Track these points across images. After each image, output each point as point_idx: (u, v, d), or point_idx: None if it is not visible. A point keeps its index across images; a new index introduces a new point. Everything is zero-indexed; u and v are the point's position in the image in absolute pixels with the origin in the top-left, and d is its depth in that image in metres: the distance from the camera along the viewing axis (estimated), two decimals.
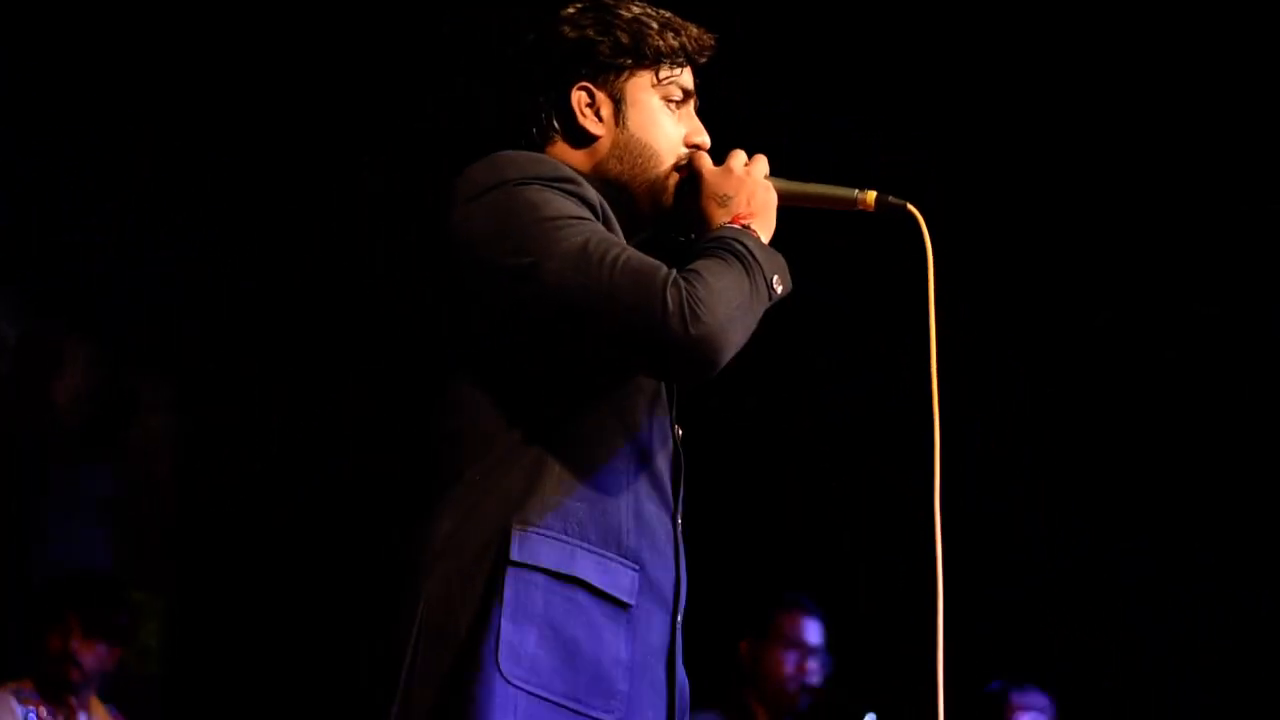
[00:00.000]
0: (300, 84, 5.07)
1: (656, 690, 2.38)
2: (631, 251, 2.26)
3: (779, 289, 2.33)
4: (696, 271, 2.25)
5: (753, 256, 2.31)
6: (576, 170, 2.40)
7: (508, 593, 2.26)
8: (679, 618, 2.41)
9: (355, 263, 5.19)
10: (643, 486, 2.37)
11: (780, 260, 2.35)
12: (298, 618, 5.43)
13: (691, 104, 2.50)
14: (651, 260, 2.25)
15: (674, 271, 2.24)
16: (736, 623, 4.71)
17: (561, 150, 2.45)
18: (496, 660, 2.24)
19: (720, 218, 2.37)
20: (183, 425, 5.66)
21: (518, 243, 2.27)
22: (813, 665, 4.67)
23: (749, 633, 4.71)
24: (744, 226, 2.36)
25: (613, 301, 2.22)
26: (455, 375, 2.36)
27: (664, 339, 2.21)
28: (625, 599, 2.33)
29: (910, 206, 2.45)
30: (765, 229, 2.39)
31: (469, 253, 2.31)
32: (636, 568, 2.34)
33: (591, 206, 2.33)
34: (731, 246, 2.30)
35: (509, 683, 2.24)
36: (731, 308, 2.24)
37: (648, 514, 2.37)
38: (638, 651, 2.35)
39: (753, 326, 2.30)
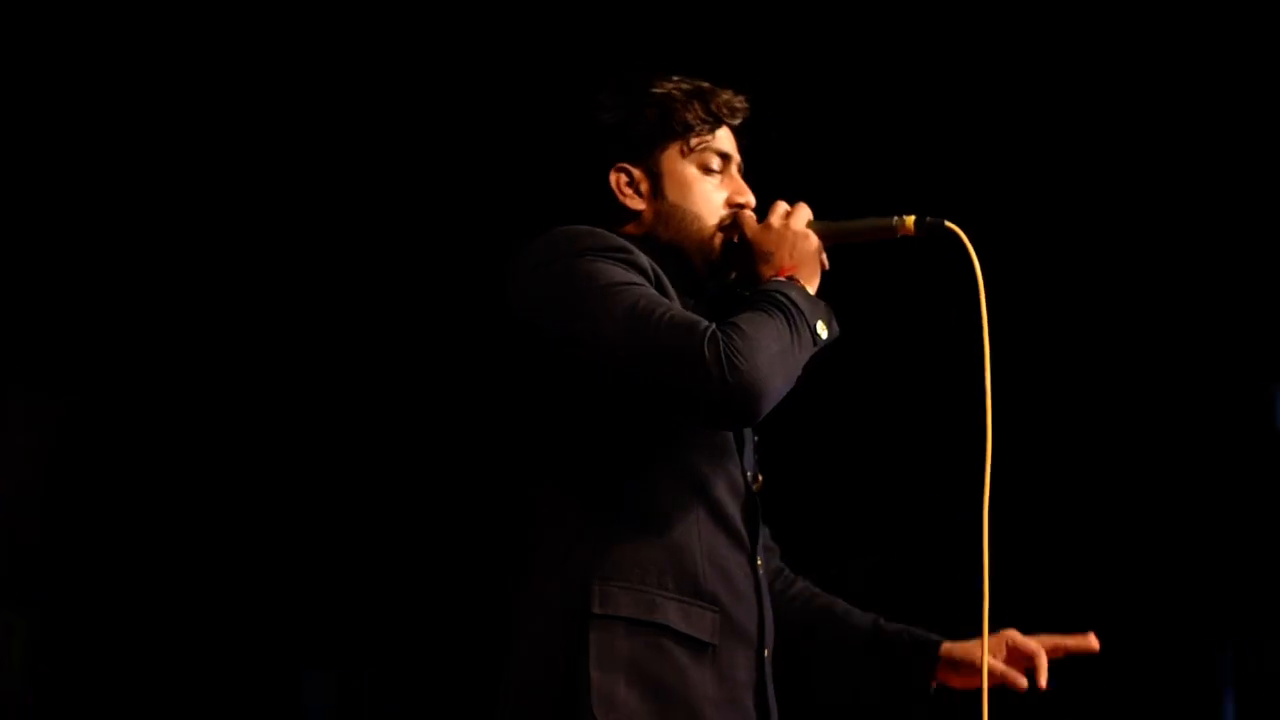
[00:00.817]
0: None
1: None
2: (676, 309, 2.40)
3: (824, 334, 2.47)
4: (735, 324, 2.37)
5: (794, 306, 2.44)
6: (629, 238, 2.54)
7: (593, 644, 2.41)
8: (767, 653, 2.54)
9: (230, 263, 5.10)
10: (714, 533, 2.50)
11: (824, 307, 2.49)
12: (169, 638, 5.26)
13: (734, 165, 2.66)
14: (693, 316, 2.39)
15: (714, 325, 2.36)
16: None
17: (612, 223, 2.60)
18: (590, 707, 2.39)
19: (766, 273, 2.53)
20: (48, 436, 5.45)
21: (575, 309, 2.42)
22: None
23: None
24: (788, 279, 2.50)
25: (656, 356, 2.36)
26: (528, 446, 2.51)
27: (704, 389, 2.34)
28: (707, 639, 2.46)
29: (949, 224, 2.56)
30: (809, 278, 2.54)
31: (529, 322, 2.47)
32: (716, 609, 2.47)
33: (644, 271, 2.48)
34: (773, 298, 2.44)
35: None
36: (770, 355, 2.36)
37: (722, 558, 2.50)
38: (725, 688, 2.48)
39: (796, 372, 2.42)
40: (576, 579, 2.44)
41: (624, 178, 2.63)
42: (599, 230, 2.52)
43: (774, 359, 2.37)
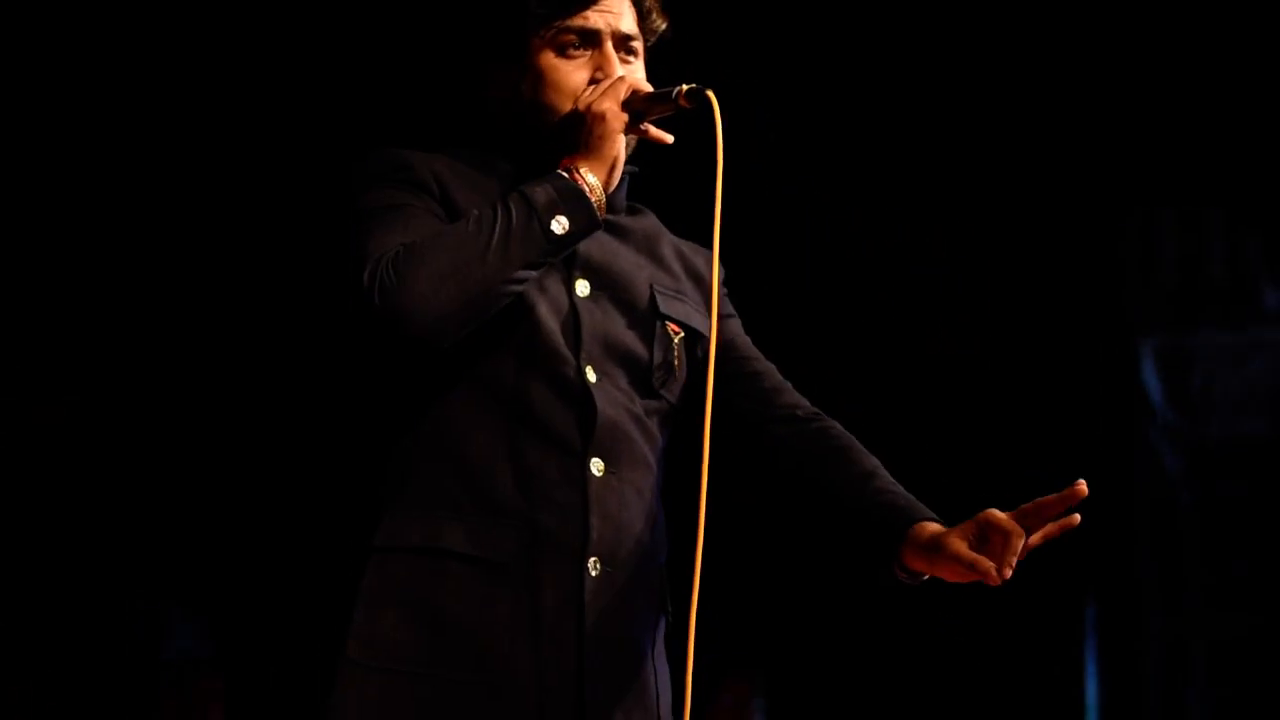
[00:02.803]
0: None
1: (558, 641, 2.35)
2: (383, 235, 2.32)
3: (560, 229, 2.34)
4: (414, 242, 2.29)
5: (524, 204, 2.33)
6: (500, 134, 2.49)
7: (366, 579, 2.32)
8: (593, 562, 2.37)
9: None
10: (524, 440, 2.36)
11: (578, 197, 2.36)
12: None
13: (606, 40, 2.46)
14: (391, 240, 2.31)
15: (397, 247, 2.29)
16: None
17: (486, 126, 2.52)
18: (344, 646, 2.30)
19: (561, 161, 2.40)
20: None
21: (331, 243, 2.39)
22: None
23: None
24: (565, 170, 2.38)
25: (341, 285, 2.30)
26: (324, 382, 2.38)
27: (358, 314, 2.27)
28: (502, 559, 2.33)
29: (709, 92, 2.38)
30: (596, 163, 2.39)
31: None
32: (519, 523, 2.34)
33: (420, 185, 2.40)
34: (505, 197, 2.35)
35: (357, 664, 2.30)
36: (435, 272, 2.27)
37: (535, 469, 2.36)
38: (525, 608, 2.34)
39: (493, 281, 2.30)
40: (367, 514, 2.36)
41: (496, 73, 2.52)
42: (382, 152, 2.44)
43: (441, 275, 2.27)
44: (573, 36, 2.46)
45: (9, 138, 4.59)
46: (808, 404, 2.60)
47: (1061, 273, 5.22)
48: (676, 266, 2.58)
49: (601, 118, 2.39)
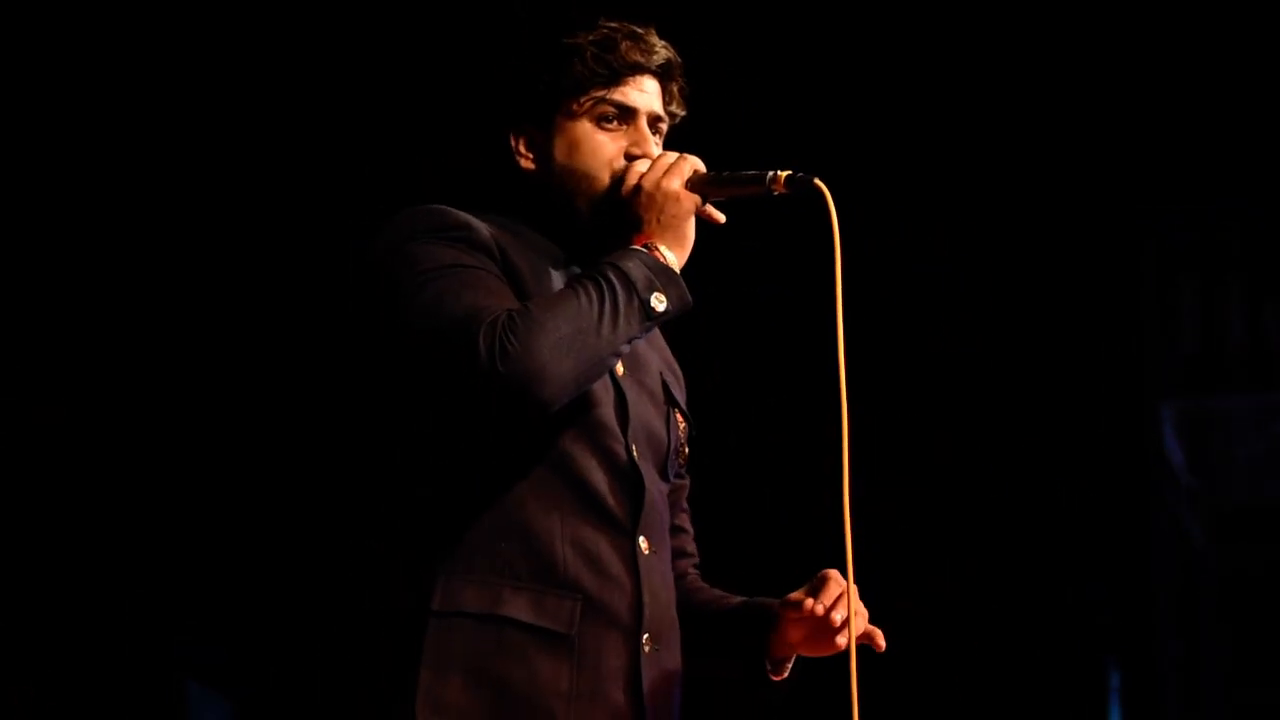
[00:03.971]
0: None
1: (613, 714, 2.39)
2: (473, 296, 2.33)
3: (660, 306, 2.36)
4: (526, 307, 2.31)
5: (624, 279, 2.35)
6: (527, 201, 2.52)
7: (428, 642, 2.33)
8: (645, 638, 2.42)
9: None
10: (582, 516, 2.40)
11: (670, 276, 2.38)
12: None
13: (641, 117, 2.51)
14: (488, 303, 2.32)
15: (505, 312, 2.29)
16: None
17: (511, 187, 2.55)
18: (414, 711, 2.31)
19: (631, 238, 2.43)
20: None
21: (390, 298, 2.37)
22: None
23: None
24: (644, 246, 2.41)
25: (436, 345, 2.30)
26: (367, 433, 2.45)
27: (474, 378, 2.27)
28: (564, 630, 2.36)
29: (817, 181, 2.43)
30: (674, 243, 2.42)
31: (363, 318, 2.42)
32: (578, 596, 2.37)
33: (484, 248, 2.41)
34: (601, 271, 2.36)
35: None
36: (557, 339, 2.29)
37: (589, 542, 2.39)
38: (585, 679, 2.37)
39: (603, 352, 2.34)
40: (421, 576, 2.37)
41: (523, 139, 2.53)
42: (439, 209, 2.45)
43: (561, 342, 2.29)
44: (611, 109, 2.50)
45: (9, 138, 4.63)
46: (695, 554, 2.72)
47: (1081, 338, 5.21)
48: (668, 360, 2.65)
49: (676, 197, 2.43)
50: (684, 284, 2.40)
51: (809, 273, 2.63)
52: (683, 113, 2.60)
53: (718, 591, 2.66)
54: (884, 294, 5.04)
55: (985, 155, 5.00)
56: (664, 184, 2.43)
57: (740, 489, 5.14)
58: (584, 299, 2.33)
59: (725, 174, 2.47)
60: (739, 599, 2.62)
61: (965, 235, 5.06)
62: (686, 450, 2.61)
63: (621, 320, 2.34)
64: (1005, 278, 5.14)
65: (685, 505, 2.71)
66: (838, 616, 2.43)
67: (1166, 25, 4.82)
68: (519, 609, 2.35)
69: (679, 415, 2.60)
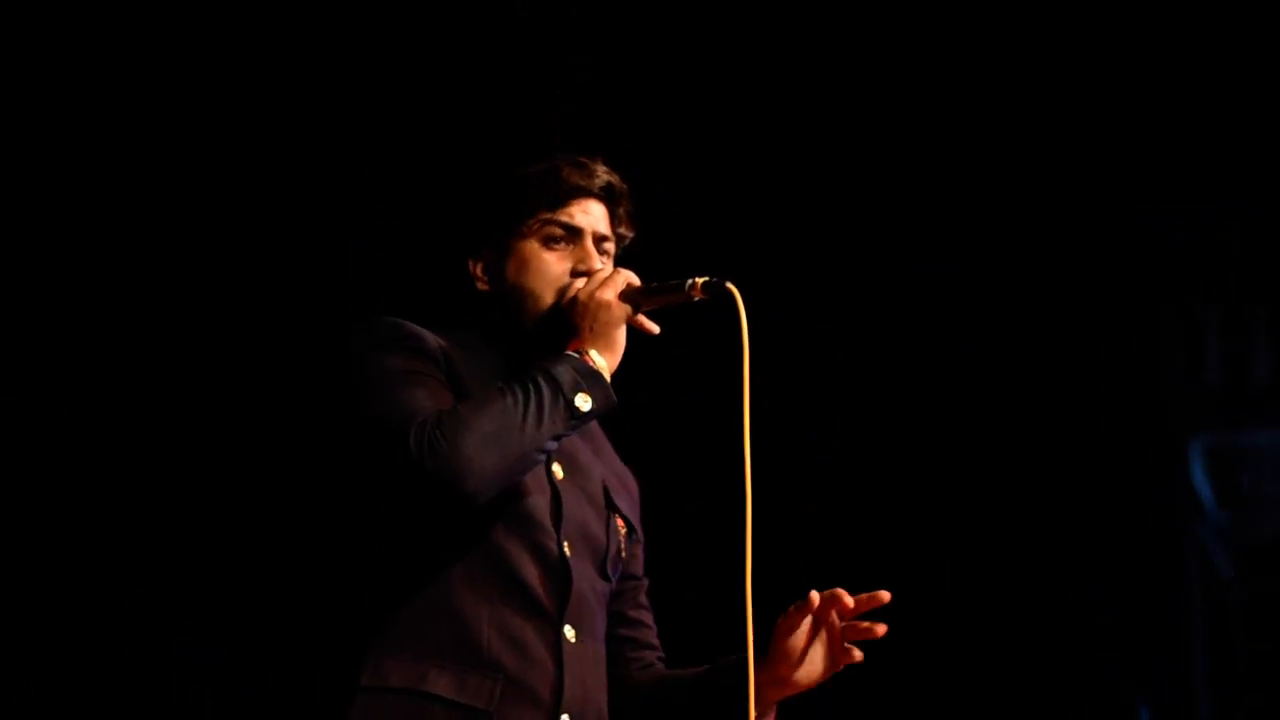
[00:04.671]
0: None
1: None
2: (411, 398, 2.54)
3: (586, 407, 2.57)
4: (456, 408, 2.51)
5: (551, 381, 2.56)
6: (481, 318, 2.75)
7: (354, 715, 2.52)
8: (565, 717, 2.60)
9: None
10: (508, 603, 2.59)
11: (596, 378, 2.59)
12: None
13: (587, 237, 2.76)
14: (424, 404, 2.53)
15: (435, 413, 2.50)
16: None
17: (471, 307, 2.78)
18: None
19: (569, 346, 2.63)
20: None
21: (345, 400, 2.58)
22: None
23: None
24: (575, 352, 2.61)
25: (373, 443, 2.51)
26: (337, 526, 2.79)
27: (405, 474, 2.47)
28: (483, 707, 2.54)
29: (729, 285, 2.63)
30: (605, 348, 2.63)
31: (326, 417, 2.73)
32: (498, 677, 2.55)
33: (431, 358, 2.63)
34: (530, 374, 2.57)
35: None
36: (481, 437, 2.47)
37: (514, 627, 2.58)
38: None
39: (526, 449, 2.52)
40: (354, 653, 2.56)
41: (480, 263, 2.78)
42: (394, 321, 2.67)
43: (486, 439, 2.48)
44: (558, 230, 2.75)
45: (9, 138, 4.67)
46: (658, 647, 2.96)
47: (1106, 374, 5.21)
48: (616, 470, 2.91)
49: (607, 306, 2.65)
50: (609, 386, 2.62)
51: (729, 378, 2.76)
52: (631, 234, 2.86)
53: (681, 670, 2.88)
54: (884, 294, 5.04)
55: (986, 155, 5.00)
56: (597, 294, 2.65)
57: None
58: (510, 399, 2.53)
59: (654, 284, 2.69)
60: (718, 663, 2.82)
61: (965, 235, 5.05)
62: (625, 553, 2.81)
63: (546, 418, 2.54)
64: (1005, 278, 5.13)
65: (645, 602, 2.93)
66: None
67: (1167, 25, 4.82)
68: (442, 686, 2.53)
69: (620, 520, 2.81)
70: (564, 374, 2.58)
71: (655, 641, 2.94)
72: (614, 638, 2.83)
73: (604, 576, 2.76)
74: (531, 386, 2.55)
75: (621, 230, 2.84)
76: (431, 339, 2.66)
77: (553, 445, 2.58)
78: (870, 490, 5.08)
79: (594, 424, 2.81)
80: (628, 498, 2.88)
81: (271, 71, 4.74)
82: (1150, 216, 5.10)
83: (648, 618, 2.93)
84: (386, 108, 4.76)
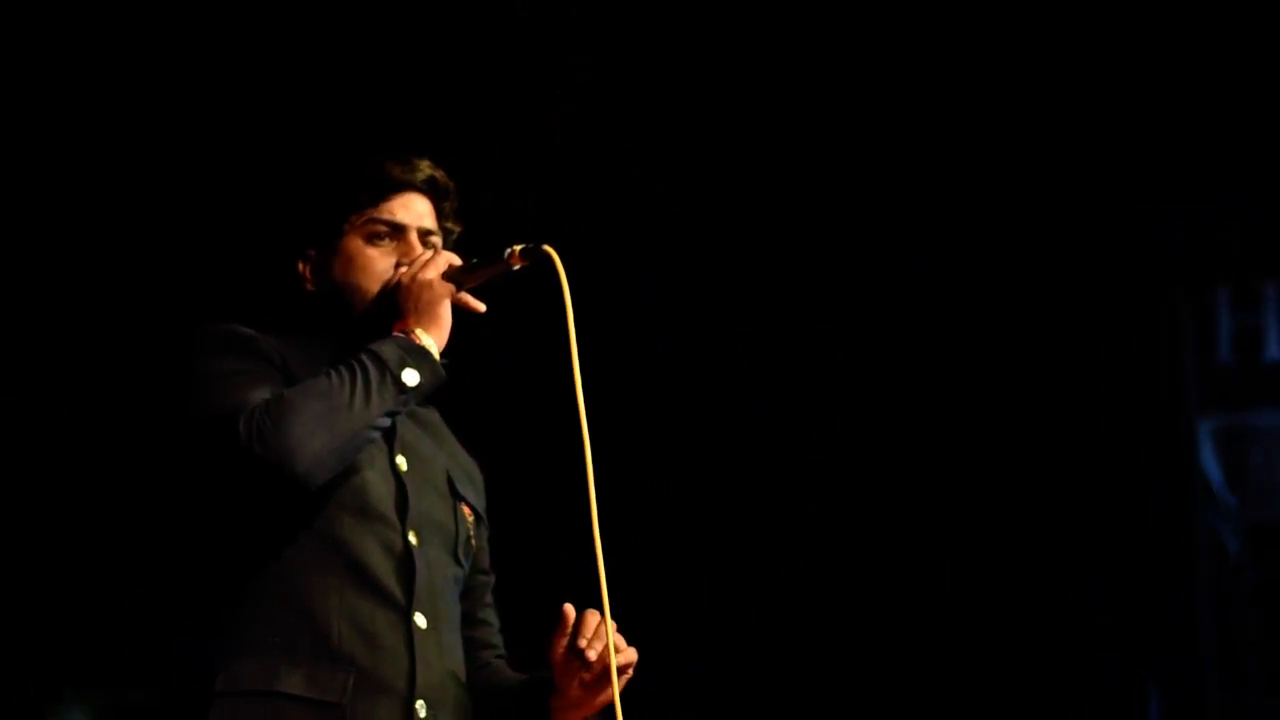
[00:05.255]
0: None
1: None
2: (242, 393, 2.56)
3: (412, 380, 2.61)
4: (282, 395, 2.55)
5: (376, 361, 2.60)
6: (311, 318, 2.77)
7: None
8: (420, 705, 2.62)
9: None
10: (357, 594, 2.61)
11: (423, 354, 2.63)
12: None
13: (411, 232, 2.78)
14: (255, 396, 2.55)
15: (261, 402, 2.53)
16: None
17: (302, 307, 2.80)
18: None
19: (395, 329, 2.67)
20: None
21: (178, 402, 2.61)
22: None
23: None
24: (400, 333, 2.66)
25: (206, 438, 2.55)
26: (173, 530, 2.74)
27: (239, 463, 2.51)
28: (336, 700, 2.55)
29: (546, 247, 2.65)
30: (430, 326, 2.67)
31: (162, 417, 2.68)
32: (351, 668, 2.57)
33: (265, 357, 2.66)
34: (356, 357, 2.60)
35: None
36: (308, 419, 2.52)
37: (365, 618, 2.61)
38: None
39: (358, 428, 2.57)
40: (207, 658, 2.58)
41: (308, 265, 2.81)
42: (226, 326, 2.69)
43: (314, 421, 2.52)
44: (382, 227, 2.78)
45: (9, 139, 4.68)
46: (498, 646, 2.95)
47: (1116, 355, 5.21)
48: (460, 460, 2.90)
49: (428, 285, 2.69)
50: (437, 362, 2.65)
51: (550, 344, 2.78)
52: (458, 229, 2.87)
53: (512, 673, 2.89)
54: (884, 294, 5.04)
55: (986, 155, 5.00)
56: (419, 276, 2.69)
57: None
58: (335, 380, 2.57)
59: (474, 260, 2.71)
60: (527, 675, 2.85)
61: (965, 235, 5.05)
62: (474, 540, 2.84)
63: (374, 395, 2.58)
64: (1006, 278, 5.13)
65: (489, 600, 2.93)
66: (592, 653, 2.64)
67: (1166, 25, 4.81)
68: (294, 684, 2.55)
69: (466, 508, 2.83)
70: (389, 352, 2.61)
71: (495, 641, 2.93)
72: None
73: (457, 562, 2.78)
74: (358, 366, 2.59)
75: (448, 224, 2.86)
76: (262, 340, 2.69)
77: (384, 422, 2.61)
78: (870, 490, 5.08)
79: (436, 418, 2.88)
80: (473, 488, 2.89)
81: (271, 72, 4.75)
82: (1150, 216, 5.09)
83: (491, 616, 2.94)
84: (385, 108, 4.76)
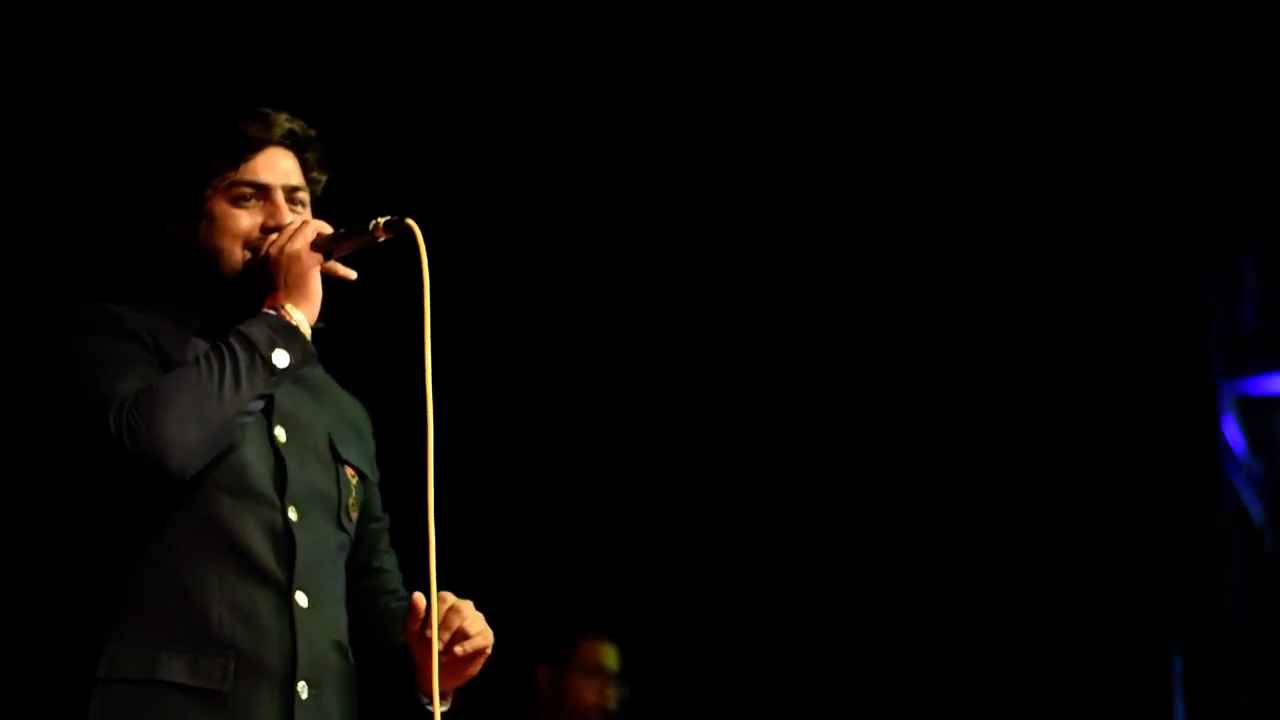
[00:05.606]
0: None
1: None
2: (109, 383, 2.53)
3: (283, 362, 2.59)
4: (151, 388, 2.52)
5: (246, 343, 2.58)
6: (179, 284, 2.72)
7: (91, 710, 2.51)
8: (302, 685, 2.60)
9: None
10: (237, 577, 2.59)
11: (293, 333, 2.62)
12: None
13: (277, 192, 2.72)
14: (122, 387, 2.52)
15: (134, 393, 2.51)
16: (531, 650, 4.79)
17: (168, 269, 2.75)
18: None
19: (266, 303, 2.64)
20: None
21: (46, 390, 2.59)
22: (612, 692, 4.80)
23: (547, 660, 4.82)
24: (270, 309, 2.63)
25: (77, 431, 2.52)
26: (47, 515, 2.69)
27: (110, 460, 2.50)
28: (217, 686, 2.54)
29: (409, 220, 2.63)
30: (301, 299, 2.65)
31: (29, 401, 2.62)
32: (231, 653, 2.56)
33: (134, 337, 2.61)
34: (226, 339, 2.58)
35: None
36: (180, 410, 2.50)
37: (244, 601, 2.58)
38: None
39: (228, 415, 2.55)
40: (86, 646, 2.55)
41: (172, 228, 2.75)
42: (90, 304, 2.66)
43: (185, 413, 2.51)
44: (246, 189, 2.72)
45: (9, 139, 4.64)
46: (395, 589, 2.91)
47: (1141, 321, 5.22)
48: (344, 414, 2.85)
49: (296, 257, 2.65)
50: (307, 340, 2.63)
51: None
52: (324, 178, 2.81)
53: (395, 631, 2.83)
54: (884, 294, 5.05)
55: (986, 155, 5.00)
56: (287, 247, 2.65)
57: None
58: (204, 368, 2.55)
59: (342, 230, 2.67)
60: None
61: (965, 235, 5.06)
62: (355, 503, 2.78)
63: (244, 381, 2.56)
64: (1005, 278, 5.14)
65: (385, 546, 2.90)
66: (429, 634, 2.63)
67: (1166, 25, 4.81)
68: (175, 671, 2.53)
69: (350, 469, 2.79)
70: (258, 333, 2.59)
71: (395, 585, 2.91)
72: (357, 587, 2.82)
73: (341, 528, 2.75)
74: (226, 351, 2.56)
75: (314, 175, 2.80)
76: (129, 317, 2.65)
77: (257, 405, 2.60)
78: (870, 490, 5.08)
79: (318, 371, 2.83)
80: (357, 441, 2.85)
81: (271, 73, 4.73)
82: (1150, 216, 5.10)
83: (389, 562, 2.91)
84: (385, 108, 4.76)
